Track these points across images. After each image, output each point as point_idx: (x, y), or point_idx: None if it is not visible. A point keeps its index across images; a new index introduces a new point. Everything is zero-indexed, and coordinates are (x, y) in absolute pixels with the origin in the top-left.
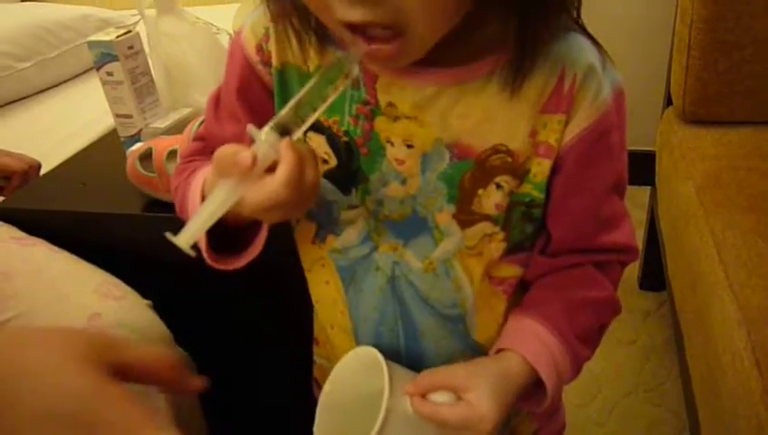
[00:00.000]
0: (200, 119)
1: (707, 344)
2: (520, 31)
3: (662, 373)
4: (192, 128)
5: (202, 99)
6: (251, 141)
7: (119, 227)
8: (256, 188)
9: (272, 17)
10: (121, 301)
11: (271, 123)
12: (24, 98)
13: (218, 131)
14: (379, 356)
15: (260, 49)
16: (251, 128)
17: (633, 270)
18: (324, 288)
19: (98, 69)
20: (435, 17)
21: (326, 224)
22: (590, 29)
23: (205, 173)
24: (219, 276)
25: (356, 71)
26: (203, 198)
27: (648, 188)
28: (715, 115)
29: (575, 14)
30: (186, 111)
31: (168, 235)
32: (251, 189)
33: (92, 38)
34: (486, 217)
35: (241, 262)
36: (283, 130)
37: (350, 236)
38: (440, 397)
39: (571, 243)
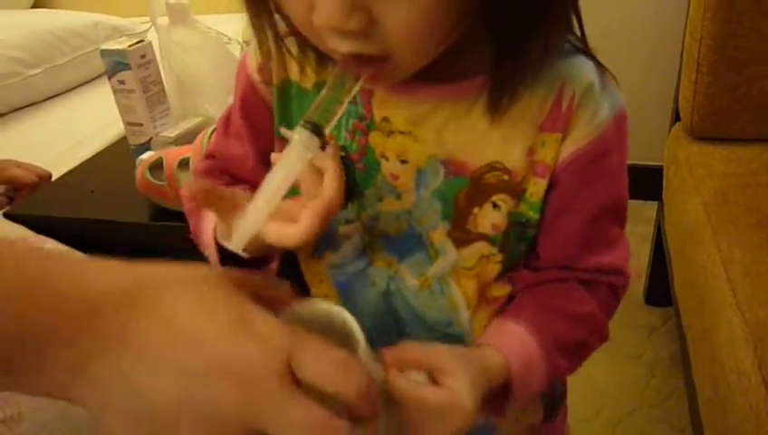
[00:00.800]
0: (211, 128)
1: (714, 362)
2: (497, 55)
3: (667, 390)
4: (203, 137)
5: (212, 108)
6: (283, 145)
7: (126, 235)
8: (307, 210)
9: (272, 38)
10: None
11: (301, 122)
12: (33, 104)
13: (226, 150)
14: (350, 319)
15: (262, 68)
16: (283, 130)
17: (639, 285)
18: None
19: (110, 77)
20: (419, 46)
21: (324, 238)
22: (597, 43)
23: (215, 223)
24: None
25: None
26: (215, 237)
27: (656, 202)
28: (723, 132)
29: (579, 36)
30: (196, 121)
31: (222, 241)
32: (303, 212)
33: (105, 46)
34: (483, 237)
35: None
36: (314, 127)
37: (347, 250)
38: (415, 376)
39: (556, 261)
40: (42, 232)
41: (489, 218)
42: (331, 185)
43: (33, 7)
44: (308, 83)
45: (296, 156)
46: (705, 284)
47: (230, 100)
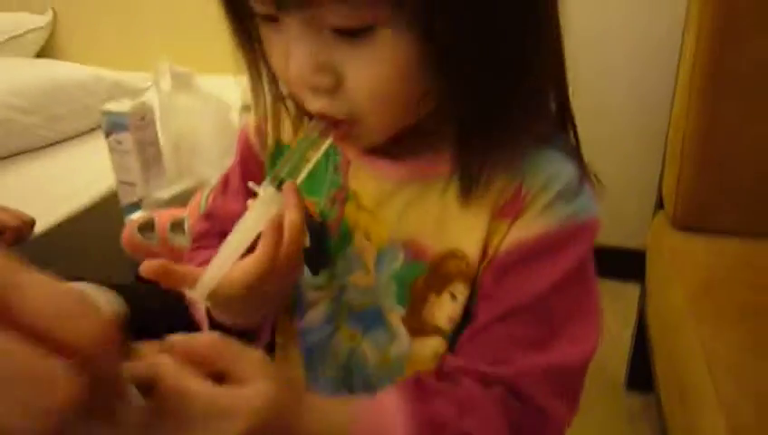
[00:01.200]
0: (209, 188)
1: None
2: (462, 136)
3: None
4: (201, 198)
5: (206, 171)
6: (253, 197)
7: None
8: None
9: (270, 99)
10: None
11: (268, 178)
12: (27, 151)
13: (222, 208)
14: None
15: (259, 130)
16: (251, 184)
17: (620, 369)
18: (291, 366)
19: (107, 136)
20: (383, 112)
21: (294, 302)
22: (585, 128)
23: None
24: None
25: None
26: (208, 312)
27: (639, 284)
28: (705, 223)
29: (570, 134)
30: (189, 183)
31: (186, 289)
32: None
33: (106, 107)
34: (438, 331)
35: None
36: (280, 184)
37: (313, 317)
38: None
39: (459, 349)
40: None
41: (445, 310)
42: (288, 213)
43: (37, 57)
44: None
45: (262, 210)
46: (688, 377)
47: (226, 163)
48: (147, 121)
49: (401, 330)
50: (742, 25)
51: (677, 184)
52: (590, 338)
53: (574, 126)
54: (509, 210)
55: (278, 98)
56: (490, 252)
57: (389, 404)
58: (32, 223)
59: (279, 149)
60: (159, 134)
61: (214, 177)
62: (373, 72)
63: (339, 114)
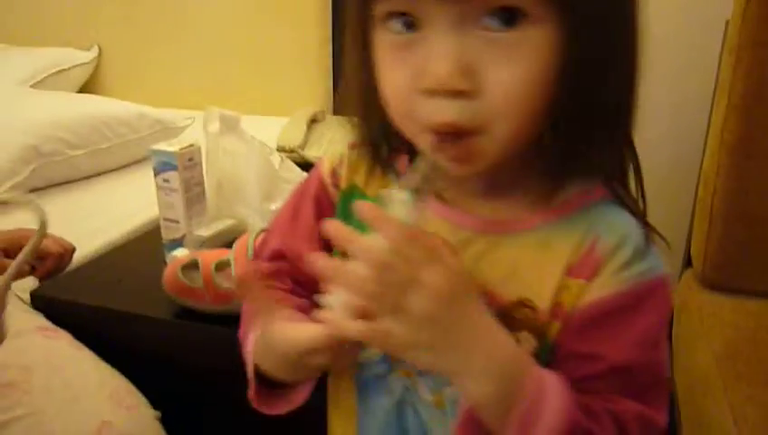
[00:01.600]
0: (255, 232)
1: None
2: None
3: None
4: (248, 242)
5: (245, 211)
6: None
7: (149, 330)
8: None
9: (352, 143)
10: (132, 411)
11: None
12: (66, 182)
13: (292, 249)
14: None
15: (334, 173)
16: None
17: None
18: (342, 396)
19: (156, 175)
20: (515, 118)
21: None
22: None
23: (256, 336)
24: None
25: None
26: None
27: (666, 342)
28: (734, 283)
29: (635, 196)
30: (229, 223)
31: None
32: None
33: (157, 147)
34: None
35: (283, 407)
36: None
37: (371, 353)
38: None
39: None
40: (62, 317)
41: None
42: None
43: (79, 91)
44: (371, 192)
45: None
46: None
47: (266, 205)
48: (194, 163)
49: None
50: None
51: (706, 242)
52: (664, 410)
53: (641, 180)
54: (584, 268)
55: (353, 145)
56: (565, 308)
57: (551, 385)
58: (72, 250)
59: (352, 192)
60: (204, 174)
61: (252, 217)
62: (515, 72)
63: (468, 123)
